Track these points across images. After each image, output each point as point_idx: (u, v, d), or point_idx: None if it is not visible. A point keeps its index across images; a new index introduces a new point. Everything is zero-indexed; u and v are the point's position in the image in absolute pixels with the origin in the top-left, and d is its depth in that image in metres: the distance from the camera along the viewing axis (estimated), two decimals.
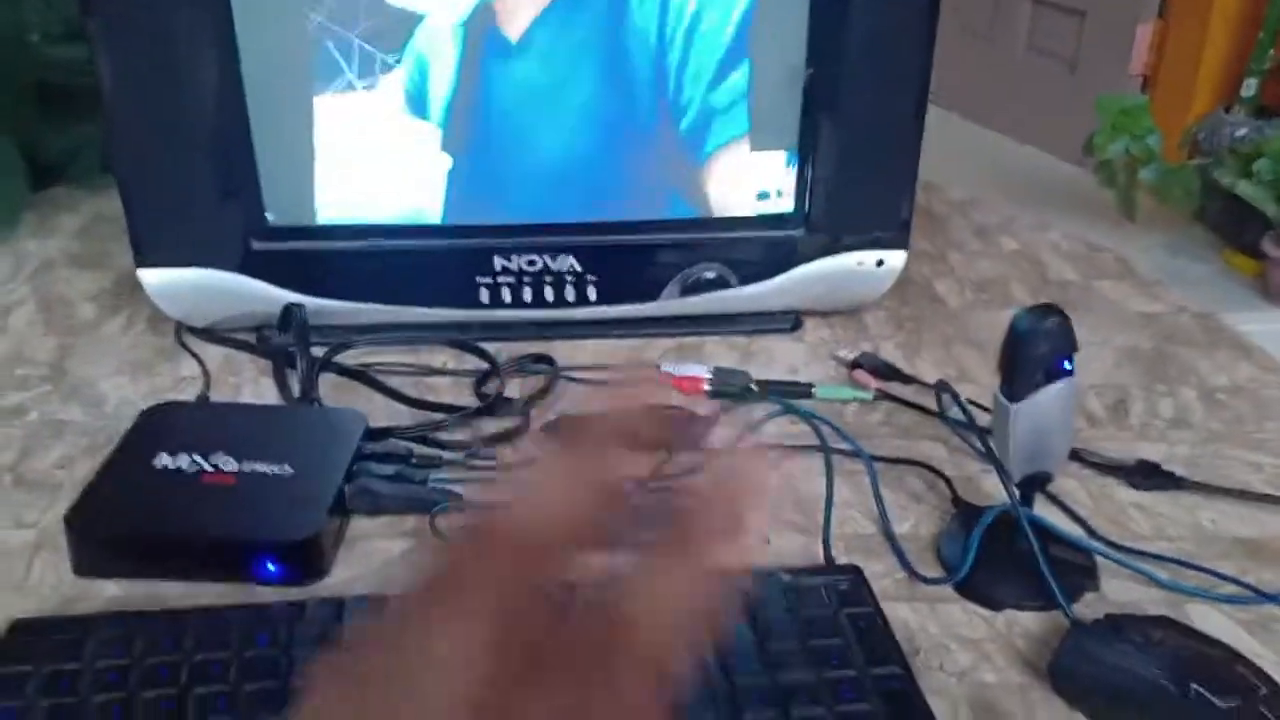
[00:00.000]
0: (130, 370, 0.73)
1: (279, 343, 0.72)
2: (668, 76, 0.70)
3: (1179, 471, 0.65)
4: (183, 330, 0.76)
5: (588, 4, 0.68)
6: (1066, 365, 0.53)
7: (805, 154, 0.73)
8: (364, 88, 0.69)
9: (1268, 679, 0.48)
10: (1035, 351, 0.53)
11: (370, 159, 0.71)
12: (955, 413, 0.68)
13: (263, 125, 0.69)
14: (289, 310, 0.72)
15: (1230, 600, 0.56)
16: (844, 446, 0.66)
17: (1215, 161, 1.55)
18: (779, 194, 0.75)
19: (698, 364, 0.73)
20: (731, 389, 0.72)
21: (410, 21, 0.68)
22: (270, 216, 0.72)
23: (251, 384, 0.72)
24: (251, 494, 0.58)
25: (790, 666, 0.50)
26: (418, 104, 0.70)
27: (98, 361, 0.74)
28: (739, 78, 0.71)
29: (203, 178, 0.70)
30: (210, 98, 0.68)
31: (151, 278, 0.72)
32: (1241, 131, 1.61)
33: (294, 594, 0.54)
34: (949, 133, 1.93)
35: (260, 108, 0.69)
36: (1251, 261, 1.54)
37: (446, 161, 0.72)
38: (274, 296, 0.73)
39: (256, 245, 0.72)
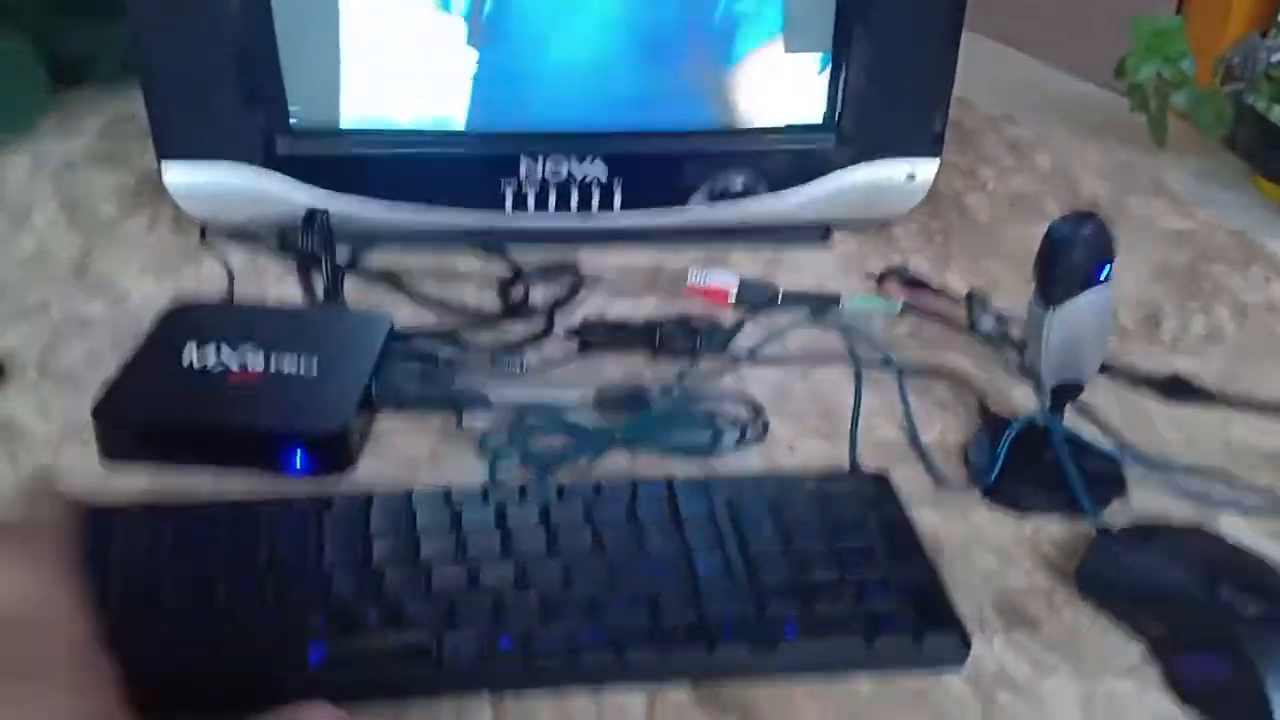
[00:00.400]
0: (154, 269, 0.73)
1: (303, 245, 0.71)
2: None
3: (1210, 386, 0.64)
4: (206, 231, 0.75)
5: None
6: (1103, 272, 0.52)
7: (838, 59, 0.72)
8: None
9: None
10: (1072, 257, 0.52)
11: (396, 56, 0.70)
12: (985, 324, 0.67)
13: (287, 22, 0.68)
14: (311, 215, 0.71)
15: (1259, 511, 0.56)
16: (872, 356, 0.65)
17: (1249, 87, 1.52)
18: (810, 101, 0.73)
19: (725, 272, 0.73)
20: (759, 299, 0.71)
21: None
22: (294, 118, 0.71)
23: (276, 286, 0.71)
24: (279, 389, 0.58)
25: (816, 566, 0.50)
26: (450, 2, 0.68)
27: (121, 260, 0.73)
28: None
29: (227, 75, 0.68)
30: None
31: (173, 173, 0.71)
32: (1277, 56, 1.57)
33: (321, 487, 0.55)
34: (978, 55, 1.89)
35: (285, 3, 0.68)
36: None
37: (472, 57, 0.70)
38: (298, 197, 0.72)
39: (281, 145, 0.71)
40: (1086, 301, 0.53)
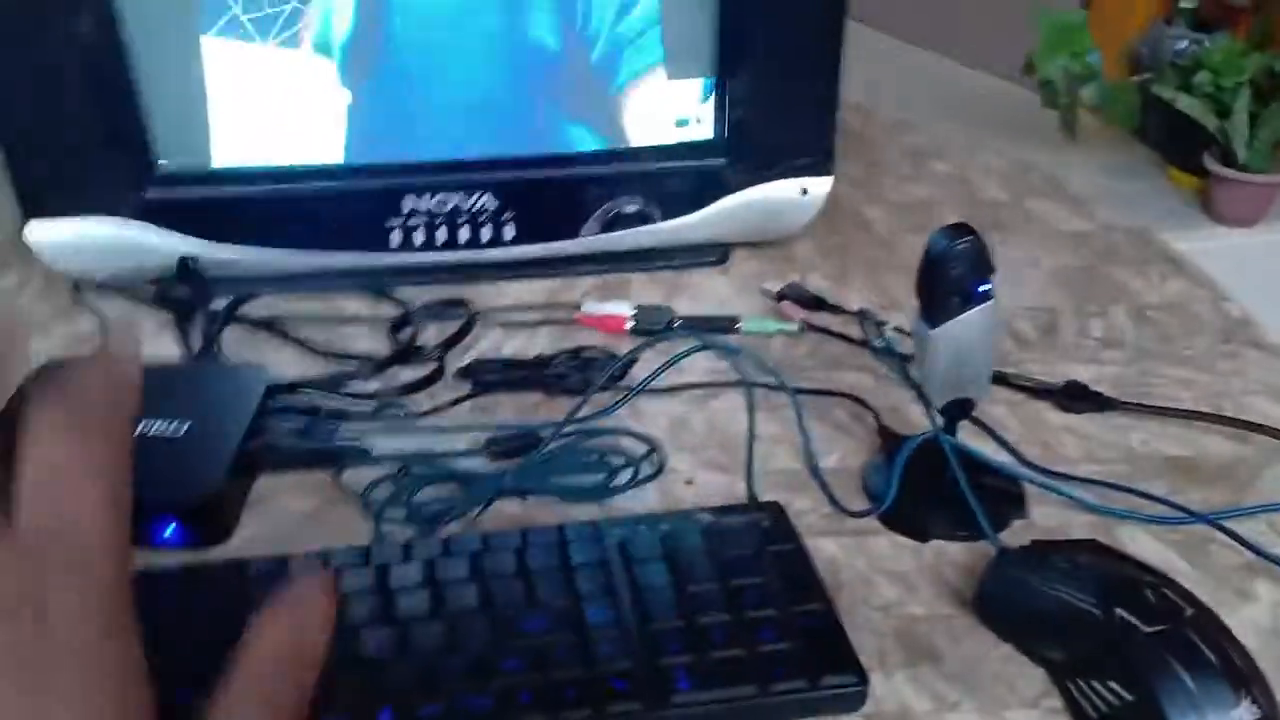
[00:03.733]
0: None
1: (177, 295, 0.68)
2: (575, 7, 0.67)
3: (1108, 392, 0.64)
4: (79, 287, 0.72)
5: None
6: (983, 288, 0.51)
7: (722, 83, 0.71)
8: (252, 23, 0.65)
9: (1194, 600, 0.47)
10: (950, 275, 0.51)
11: (265, 98, 0.68)
12: (880, 342, 0.66)
13: (148, 66, 0.66)
14: (183, 263, 0.68)
15: (1159, 521, 0.55)
16: (769, 380, 0.64)
17: (1156, 76, 1.54)
18: (698, 122, 0.72)
19: (620, 301, 0.71)
20: (655, 326, 0.69)
21: None
22: (163, 162, 0.68)
23: (152, 340, 0.69)
24: (148, 455, 0.54)
25: (709, 609, 0.48)
26: (322, 43, 0.66)
27: None
28: (649, 4, 0.68)
29: (88, 124, 0.66)
30: (88, 39, 0.64)
31: (40, 232, 0.68)
32: (1182, 44, 1.59)
33: (196, 556, 0.52)
34: (887, 55, 1.90)
35: (144, 47, 0.65)
36: (1193, 178, 1.54)
37: (346, 97, 0.68)
38: (171, 246, 0.69)
39: (150, 193, 0.68)
40: (969, 319, 0.52)
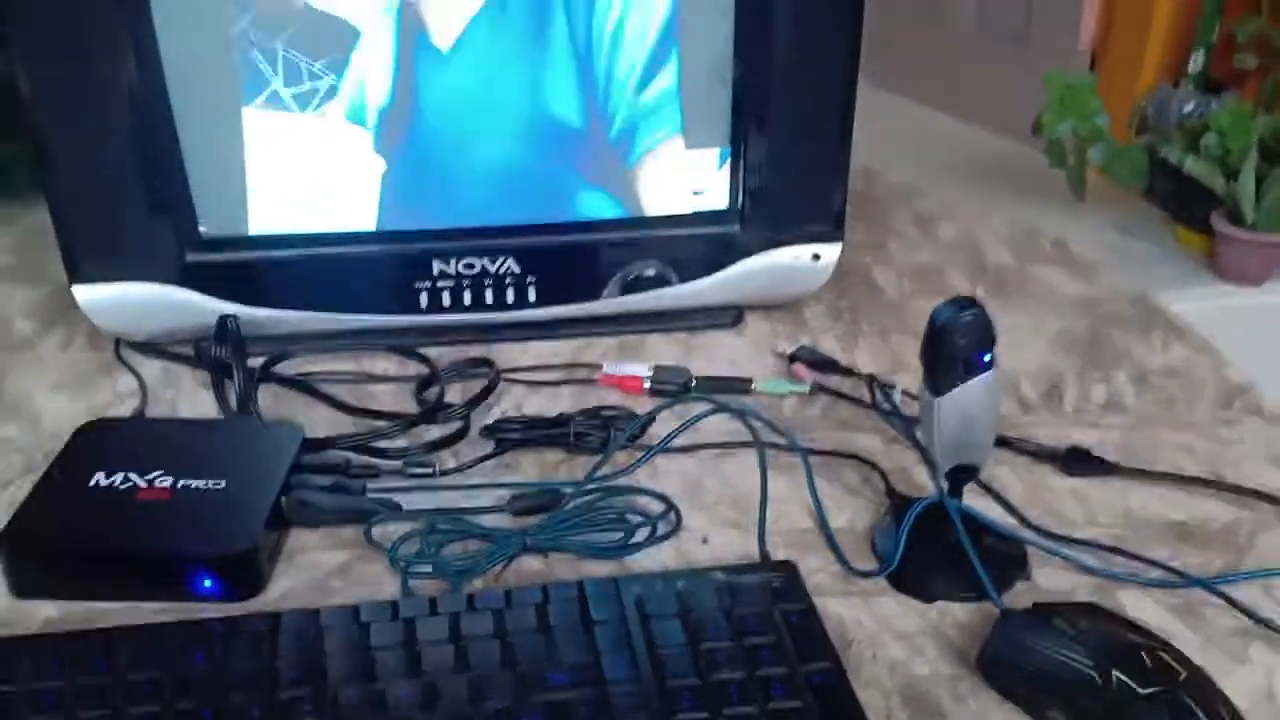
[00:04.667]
0: (69, 387, 0.73)
1: (216, 355, 0.71)
2: (596, 82, 0.70)
3: (1111, 456, 0.66)
4: (121, 345, 0.75)
5: (513, 13, 0.68)
6: (986, 358, 0.54)
7: (737, 152, 0.74)
8: (293, 97, 0.69)
9: (1189, 664, 0.49)
10: (954, 346, 0.53)
11: (302, 166, 0.71)
12: (888, 406, 0.68)
13: (192, 136, 0.69)
14: (223, 322, 0.71)
15: (1158, 584, 0.57)
16: (782, 441, 0.66)
17: (1163, 138, 1.56)
18: (713, 191, 0.75)
19: (638, 362, 0.74)
20: (672, 387, 0.72)
21: (339, 35, 0.68)
22: (204, 228, 0.71)
23: (190, 397, 0.72)
24: (186, 509, 0.58)
25: (722, 666, 0.50)
26: (356, 114, 0.70)
27: (35, 379, 0.73)
28: (667, 78, 0.71)
29: (133, 190, 0.69)
30: (136, 110, 0.67)
31: (85, 294, 0.71)
32: (1189, 106, 1.62)
33: (231, 609, 0.55)
34: (897, 117, 1.93)
35: (188, 118, 0.68)
36: (1202, 238, 1.56)
37: (380, 165, 0.71)
38: (211, 308, 0.73)
39: (191, 257, 0.72)
40: (973, 388, 0.54)
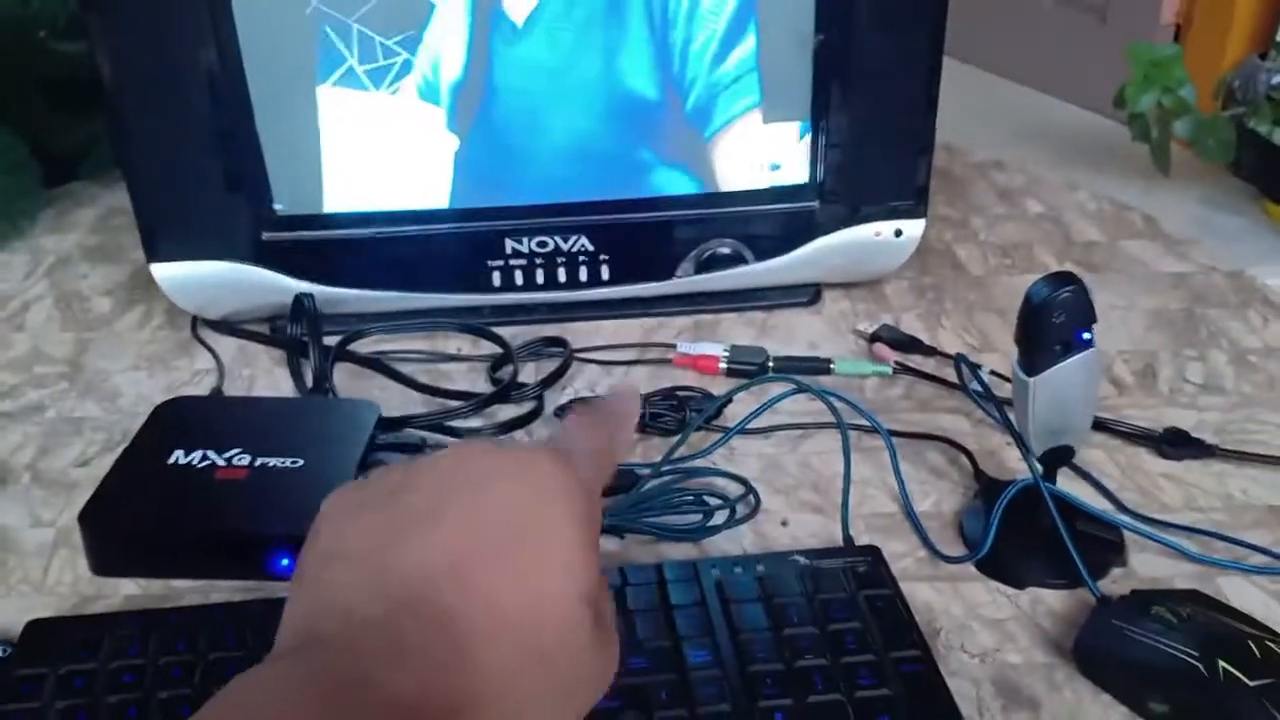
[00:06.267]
0: (147, 365, 0.73)
1: (292, 333, 0.71)
2: (672, 55, 0.69)
3: (1209, 438, 0.63)
4: (198, 323, 0.76)
5: None
6: (1085, 336, 0.52)
7: (818, 126, 0.72)
8: (367, 74, 0.68)
9: None
10: (1051, 323, 0.51)
11: (376, 144, 0.71)
12: (977, 386, 0.66)
13: (267, 115, 0.69)
14: (299, 301, 0.71)
15: (1262, 571, 0.55)
16: (863, 423, 0.64)
17: (1251, 110, 1.51)
18: (792, 166, 0.73)
19: (714, 342, 0.72)
20: (749, 367, 0.71)
21: (414, 9, 0.67)
22: (279, 206, 0.71)
23: (266, 375, 0.72)
24: (265, 488, 0.57)
25: (807, 651, 0.49)
26: (429, 91, 0.69)
27: (114, 357, 0.74)
28: (746, 50, 0.69)
29: (210, 170, 0.69)
30: (213, 89, 0.67)
31: (163, 272, 0.72)
32: (1278, 78, 1.56)
33: None
34: (975, 88, 1.89)
35: (264, 97, 0.68)
36: None
37: (453, 142, 0.71)
38: (286, 286, 0.72)
39: (266, 235, 0.72)
40: (1070, 368, 0.52)
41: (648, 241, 0.74)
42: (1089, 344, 0.52)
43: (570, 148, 0.72)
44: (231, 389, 0.70)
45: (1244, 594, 0.54)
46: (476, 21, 0.68)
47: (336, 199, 0.72)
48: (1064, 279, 0.52)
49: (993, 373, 0.68)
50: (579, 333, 0.75)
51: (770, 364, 0.71)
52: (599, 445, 0.39)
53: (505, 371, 0.70)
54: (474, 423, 0.66)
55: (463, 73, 0.69)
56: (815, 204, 0.74)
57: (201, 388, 0.70)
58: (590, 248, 0.74)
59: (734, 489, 0.61)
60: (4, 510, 0.60)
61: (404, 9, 0.67)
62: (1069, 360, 0.52)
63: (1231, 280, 0.80)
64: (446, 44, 0.68)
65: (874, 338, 0.73)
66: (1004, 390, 0.65)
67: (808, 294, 0.78)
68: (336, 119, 0.69)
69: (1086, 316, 0.52)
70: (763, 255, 0.75)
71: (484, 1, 0.67)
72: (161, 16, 0.65)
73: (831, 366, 0.70)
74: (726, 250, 0.75)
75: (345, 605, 0.32)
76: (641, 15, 0.68)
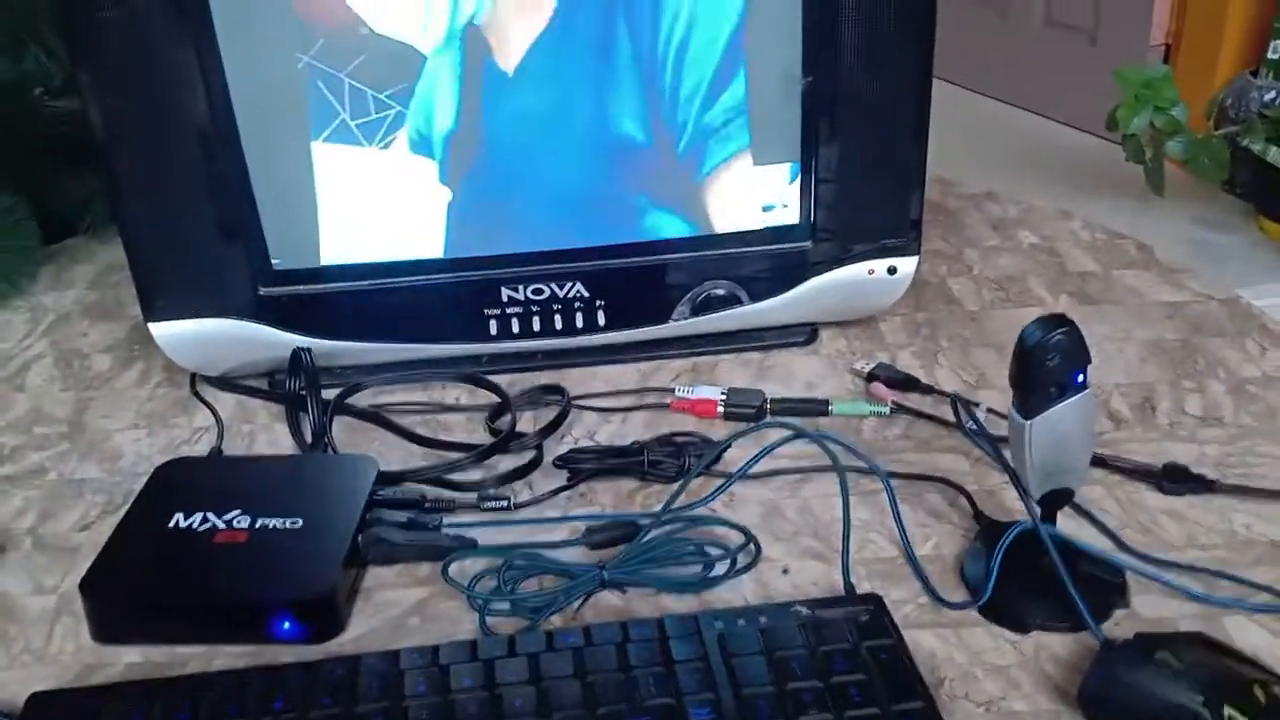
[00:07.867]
0: (147, 423, 0.73)
1: (290, 388, 0.71)
2: (662, 99, 0.69)
3: (1210, 473, 0.63)
4: (197, 379, 0.76)
5: (577, 33, 0.67)
6: (1080, 378, 0.52)
7: (808, 165, 0.72)
8: (359, 128, 0.68)
9: None
10: (1044, 367, 0.51)
11: (370, 198, 0.71)
12: (973, 426, 0.66)
13: (262, 171, 0.69)
14: (297, 355, 0.71)
15: (1266, 610, 0.54)
16: (861, 465, 0.64)
17: (1244, 128, 1.51)
18: (784, 206, 0.73)
19: (711, 385, 0.72)
20: (747, 410, 0.71)
21: (406, 62, 0.67)
22: (276, 261, 0.72)
23: (266, 431, 0.72)
24: (264, 552, 0.57)
25: (811, 706, 0.49)
26: (422, 144, 0.69)
27: (115, 416, 0.74)
28: (735, 94, 0.70)
29: (206, 227, 0.70)
30: (207, 148, 0.67)
31: (162, 330, 0.72)
32: (1269, 95, 1.57)
33: (311, 651, 0.54)
34: (966, 111, 1.89)
35: (258, 154, 0.69)
36: None
37: (446, 194, 0.71)
38: (284, 341, 0.73)
39: (264, 290, 0.72)
40: (1066, 409, 0.52)
41: (643, 285, 0.75)
42: (1083, 385, 0.52)
43: (564, 194, 0.72)
44: (231, 446, 0.70)
45: (1247, 633, 0.53)
46: (467, 72, 0.68)
47: (333, 253, 0.72)
48: (1057, 321, 0.52)
49: (990, 410, 0.68)
50: (576, 379, 0.75)
51: (768, 406, 0.71)
52: None
53: (503, 421, 0.70)
54: (474, 474, 0.66)
55: (454, 123, 0.69)
56: (808, 244, 0.74)
57: (201, 446, 0.71)
58: (586, 293, 0.74)
59: (735, 537, 0.61)
60: (6, 578, 0.60)
61: (395, 62, 0.67)
62: (1065, 402, 0.52)
63: (1227, 308, 0.80)
64: (438, 96, 0.68)
65: (871, 376, 0.73)
66: (1001, 428, 0.65)
67: (804, 333, 0.78)
68: (331, 174, 0.70)
69: (1081, 358, 0.52)
70: (758, 296, 0.75)
71: (474, 52, 0.68)
72: (152, 75, 0.66)
73: (830, 408, 0.70)
74: (721, 292, 0.75)
75: None
76: (630, 60, 0.68)
